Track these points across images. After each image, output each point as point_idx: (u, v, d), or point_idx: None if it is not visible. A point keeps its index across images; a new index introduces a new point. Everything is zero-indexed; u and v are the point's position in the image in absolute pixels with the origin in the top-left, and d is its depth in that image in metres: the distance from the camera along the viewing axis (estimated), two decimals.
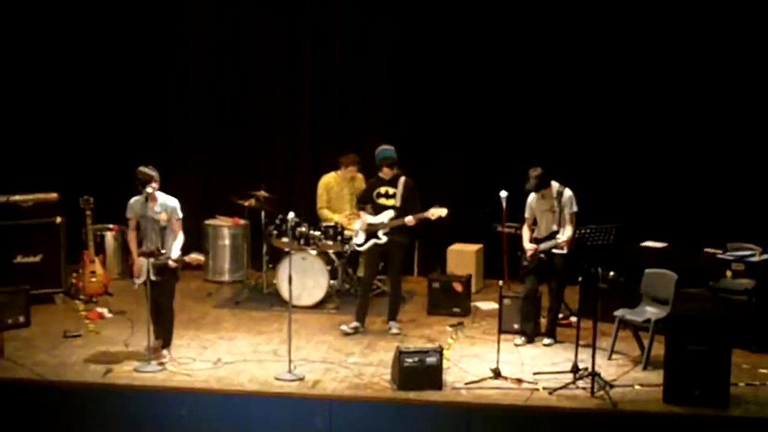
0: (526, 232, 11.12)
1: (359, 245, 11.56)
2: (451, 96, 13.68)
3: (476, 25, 13.46)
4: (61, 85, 13.99)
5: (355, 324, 11.40)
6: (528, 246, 10.99)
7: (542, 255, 10.90)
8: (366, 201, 11.61)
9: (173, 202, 10.32)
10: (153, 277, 10.07)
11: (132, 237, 10.44)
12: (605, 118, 13.26)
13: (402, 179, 11.39)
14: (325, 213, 12.69)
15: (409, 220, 11.19)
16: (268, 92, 14.06)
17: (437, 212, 11.16)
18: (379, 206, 11.43)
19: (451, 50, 13.60)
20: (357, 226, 11.64)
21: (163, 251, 10.11)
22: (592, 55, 13.19)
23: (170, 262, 10.16)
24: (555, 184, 10.94)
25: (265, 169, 13.95)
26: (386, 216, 11.35)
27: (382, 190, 11.43)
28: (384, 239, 11.34)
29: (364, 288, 11.60)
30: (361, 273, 12.52)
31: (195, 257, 10.48)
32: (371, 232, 11.40)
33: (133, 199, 10.33)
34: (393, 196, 11.37)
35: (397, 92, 13.84)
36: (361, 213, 11.59)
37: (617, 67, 13.14)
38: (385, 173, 11.38)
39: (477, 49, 13.51)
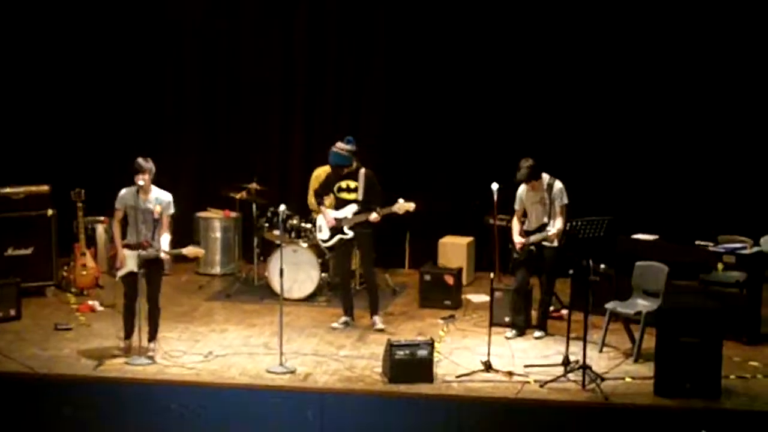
0: (515, 224, 11.10)
1: (324, 241, 11.47)
2: (444, 89, 13.65)
3: (470, 19, 13.44)
4: (52, 77, 13.94)
5: (344, 319, 11.36)
6: (517, 239, 10.98)
7: (532, 247, 10.90)
8: (325, 194, 11.43)
9: (167, 197, 10.25)
10: (139, 270, 10.03)
11: (117, 228, 10.37)
12: (597, 111, 13.26)
13: (362, 171, 11.17)
14: (314, 201, 12.65)
15: (375, 217, 10.97)
16: (262, 85, 14.02)
17: (405, 206, 10.95)
18: (341, 200, 11.25)
19: (443, 44, 13.58)
20: (320, 222, 11.49)
21: (153, 244, 10.09)
22: (584, 48, 13.18)
23: (162, 255, 10.14)
24: (545, 176, 10.92)
25: (257, 161, 13.93)
26: (350, 210, 11.18)
27: (343, 184, 11.22)
28: (350, 234, 11.19)
29: (343, 283, 11.51)
30: (353, 266, 12.51)
31: (195, 250, 10.46)
32: (336, 227, 11.28)
33: (124, 190, 10.26)
34: (354, 189, 11.18)
35: (390, 86, 13.81)
36: (322, 208, 11.41)
37: (609, 59, 13.13)
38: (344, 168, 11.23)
39: (469, 43, 13.50)
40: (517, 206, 11.11)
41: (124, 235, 10.32)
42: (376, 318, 11.33)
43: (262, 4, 13.94)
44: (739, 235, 11.44)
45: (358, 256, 12.07)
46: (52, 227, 12.33)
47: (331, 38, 13.89)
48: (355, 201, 11.18)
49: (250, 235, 13.12)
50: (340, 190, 11.26)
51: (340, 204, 11.28)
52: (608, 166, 13.22)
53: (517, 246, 10.98)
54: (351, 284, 11.71)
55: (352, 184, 11.20)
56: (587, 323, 9.76)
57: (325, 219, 11.36)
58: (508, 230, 11.27)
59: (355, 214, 11.16)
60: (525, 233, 11.00)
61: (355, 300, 11.61)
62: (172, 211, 10.30)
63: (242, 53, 14.09)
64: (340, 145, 11.17)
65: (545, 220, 10.87)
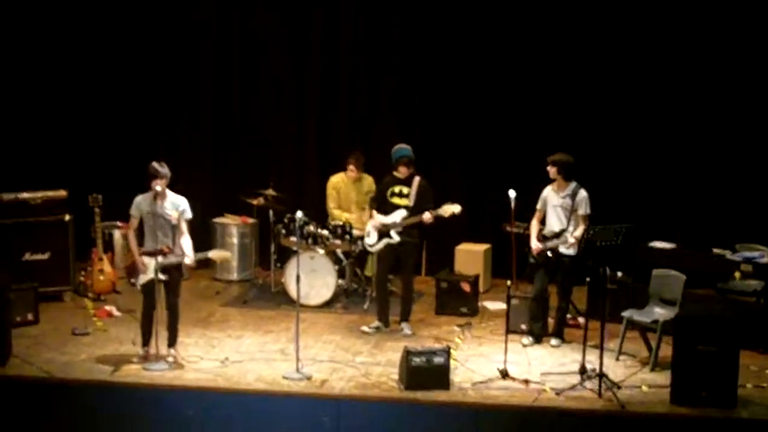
0: (534, 226, 11.05)
1: (371, 245, 11.52)
2: (460, 96, 13.66)
3: (486, 25, 13.45)
4: (70, 83, 14.01)
5: (376, 324, 11.38)
6: (534, 245, 10.95)
7: (549, 253, 10.88)
8: (379, 200, 11.52)
9: (184, 203, 10.23)
10: (161, 276, 10.04)
11: (133, 236, 10.32)
12: (614, 119, 13.24)
13: (417, 179, 11.28)
14: (336, 213, 12.66)
15: (428, 217, 11.04)
16: (277, 91, 14.07)
17: (450, 209, 11.05)
18: (392, 205, 11.31)
19: (460, 50, 13.59)
20: (370, 226, 11.55)
21: (173, 250, 10.07)
22: (602, 55, 13.17)
23: (189, 262, 10.14)
24: (573, 183, 10.90)
25: (273, 167, 13.96)
26: (399, 215, 11.24)
27: (396, 189, 11.32)
28: (397, 239, 11.24)
29: (379, 287, 11.51)
30: (368, 272, 12.52)
31: (221, 253, 10.48)
32: (383, 231, 11.34)
33: (140, 197, 10.25)
34: (407, 195, 11.25)
35: (405, 91, 13.83)
36: (373, 212, 11.47)
37: (626, 66, 13.12)
38: (401, 172, 11.27)
39: (486, 49, 13.50)
40: (539, 206, 11.06)
41: (140, 243, 10.31)
42: (405, 325, 11.35)
43: (277, 10, 13.96)
44: (757, 243, 11.42)
45: (374, 262, 12.09)
46: (69, 232, 12.34)
47: (346, 45, 13.89)
48: (405, 207, 11.22)
49: (267, 242, 13.14)
50: (393, 194, 11.32)
51: (390, 208, 11.32)
52: (626, 174, 13.20)
53: (534, 251, 10.96)
54: (386, 290, 11.65)
55: (405, 190, 11.26)
56: (604, 331, 9.75)
57: (373, 223, 11.40)
58: (526, 237, 11.25)
59: (404, 219, 11.19)
60: (542, 237, 10.98)
61: (371, 306, 11.63)
62: (189, 215, 10.28)
63: (257, 60, 14.11)
64: (400, 144, 11.40)
65: (564, 225, 10.84)
